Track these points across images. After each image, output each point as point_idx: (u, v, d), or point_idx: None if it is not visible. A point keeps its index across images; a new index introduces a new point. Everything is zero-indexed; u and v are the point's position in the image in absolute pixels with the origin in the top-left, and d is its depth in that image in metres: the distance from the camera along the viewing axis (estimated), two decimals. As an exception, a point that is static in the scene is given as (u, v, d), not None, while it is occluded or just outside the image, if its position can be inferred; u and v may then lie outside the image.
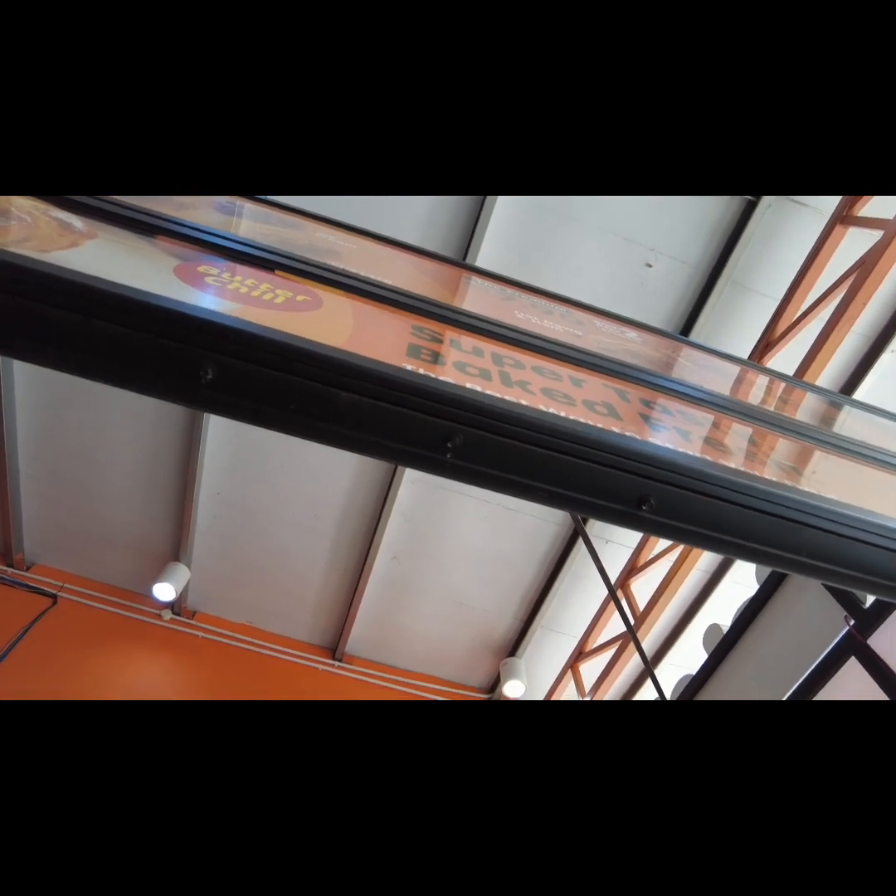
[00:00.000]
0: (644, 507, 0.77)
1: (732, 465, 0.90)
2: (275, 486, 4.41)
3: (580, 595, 4.79)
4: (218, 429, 4.15)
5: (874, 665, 2.34)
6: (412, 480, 4.29)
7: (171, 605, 4.82)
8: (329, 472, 4.32)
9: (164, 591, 4.49)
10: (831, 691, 2.48)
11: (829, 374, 3.43)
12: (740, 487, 0.82)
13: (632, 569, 4.34)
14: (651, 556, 4.22)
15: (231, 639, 4.92)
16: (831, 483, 1.09)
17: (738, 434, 1.22)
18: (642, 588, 4.22)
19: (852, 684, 2.40)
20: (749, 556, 0.84)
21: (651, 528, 0.78)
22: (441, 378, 0.79)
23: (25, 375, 4.03)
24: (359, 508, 4.48)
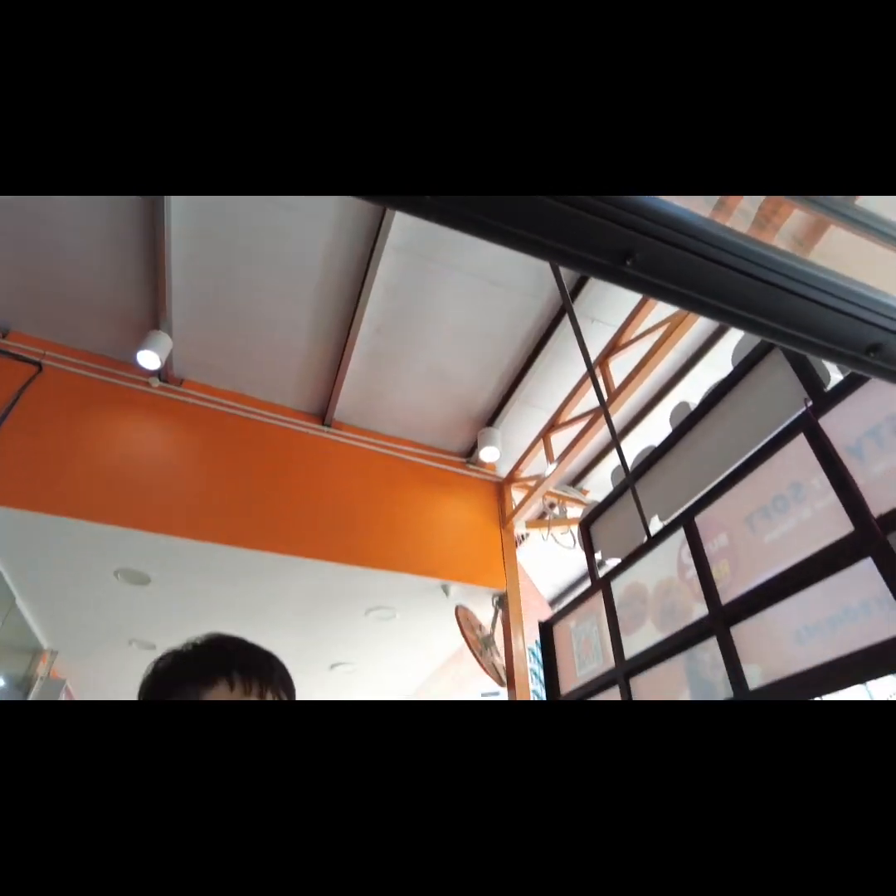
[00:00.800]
0: (628, 262, 0.75)
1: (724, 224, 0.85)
2: (248, 251, 4.14)
3: (558, 373, 4.93)
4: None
5: (818, 442, 2.49)
6: (396, 249, 4.05)
7: (158, 374, 4.88)
8: (304, 235, 4.04)
9: (149, 359, 4.50)
10: (773, 464, 2.70)
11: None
12: (727, 246, 0.79)
13: (613, 347, 4.40)
14: (633, 336, 4.25)
15: (221, 405, 5.09)
16: (827, 255, 1.05)
17: (742, 198, 1.13)
18: (620, 367, 4.34)
19: (792, 461, 2.57)
20: (729, 319, 0.84)
21: (634, 284, 0.77)
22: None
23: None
24: (338, 276, 4.30)
